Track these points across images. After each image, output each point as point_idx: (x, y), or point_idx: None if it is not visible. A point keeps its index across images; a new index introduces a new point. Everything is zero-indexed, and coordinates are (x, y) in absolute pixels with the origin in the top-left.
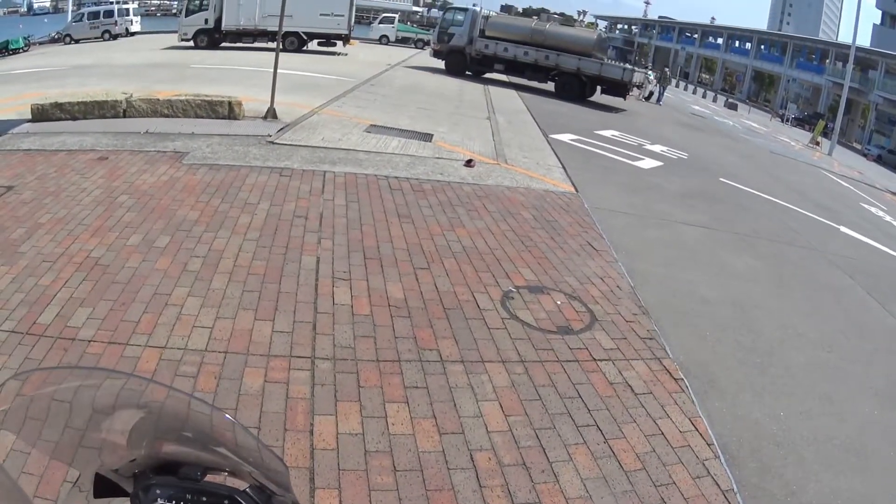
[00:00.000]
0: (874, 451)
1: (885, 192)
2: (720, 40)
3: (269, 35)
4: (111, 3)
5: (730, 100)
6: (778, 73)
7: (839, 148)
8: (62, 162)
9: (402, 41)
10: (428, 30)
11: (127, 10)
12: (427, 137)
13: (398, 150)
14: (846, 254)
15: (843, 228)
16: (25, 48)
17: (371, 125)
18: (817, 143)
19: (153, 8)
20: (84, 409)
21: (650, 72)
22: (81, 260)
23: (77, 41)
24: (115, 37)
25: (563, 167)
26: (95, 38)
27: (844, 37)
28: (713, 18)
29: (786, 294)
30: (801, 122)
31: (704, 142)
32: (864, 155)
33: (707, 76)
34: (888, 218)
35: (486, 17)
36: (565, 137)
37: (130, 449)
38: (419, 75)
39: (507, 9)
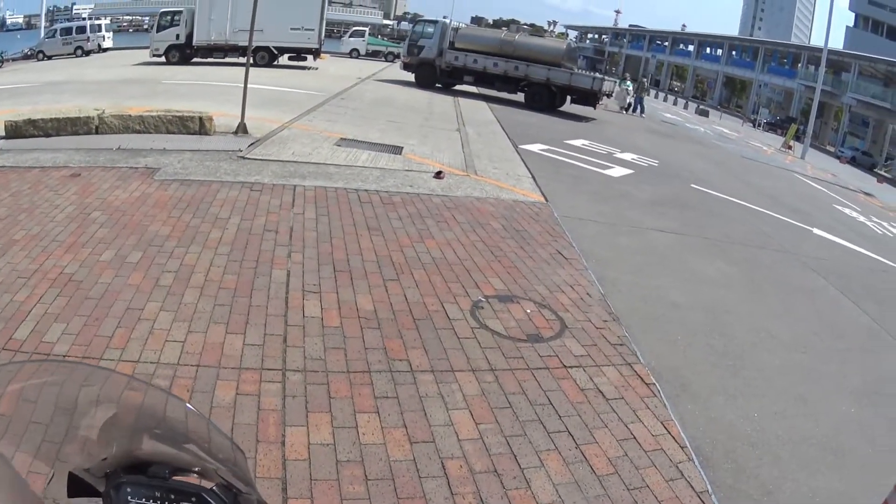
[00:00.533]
0: (851, 448)
1: (858, 193)
2: (691, 47)
3: (239, 50)
4: (83, 19)
5: (701, 106)
6: (749, 79)
7: (812, 151)
8: (36, 178)
9: (373, 54)
10: (398, 43)
11: (99, 26)
12: (397, 150)
13: (368, 163)
14: (819, 255)
15: (815, 230)
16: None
17: (341, 139)
18: (790, 147)
19: (125, 24)
20: (54, 405)
21: (629, 82)
22: (55, 276)
23: (50, 57)
24: (87, 53)
25: (533, 177)
26: (68, 54)
27: (817, 40)
28: (684, 26)
29: (758, 297)
30: (774, 126)
31: (675, 149)
32: (838, 157)
33: (678, 84)
34: (861, 218)
35: (456, 29)
36: (535, 148)
37: (101, 447)
38: (389, 88)
39: (477, 20)
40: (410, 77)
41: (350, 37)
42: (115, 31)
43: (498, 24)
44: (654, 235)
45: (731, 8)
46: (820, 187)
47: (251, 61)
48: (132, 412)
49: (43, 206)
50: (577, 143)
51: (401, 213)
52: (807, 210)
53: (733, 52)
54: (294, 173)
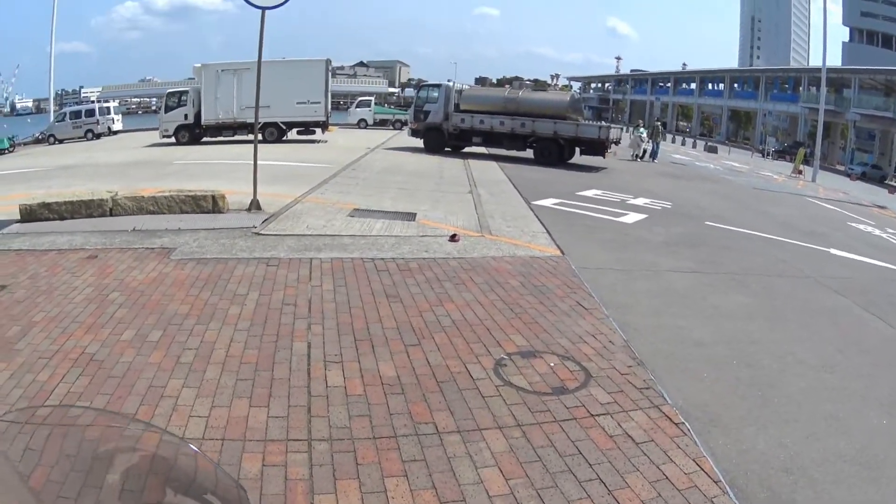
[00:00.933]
0: (885, 459)
1: (871, 208)
2: (693, 85)
3: (248, 127)
4: (92, 102)
5: (709, 143)
6: (753, 109)
7: (822, 173)
8: (53, 261)
9: (381, 123)
10: (405, 110)
11: (108, 108)
12: (410, 217)
13: (383, 231)
14: (838, 275)
15: (833, 251)
16: (10, 149)
17: (354, 209)
18: (800, 172)
19: (133, 106)
20: (76, 455)
21: (641, 129)
22: (77, 356)
23: (61, 141)
24: (97, 136)
25: (548, 231)
26: (79, 137)
27: (816, 60)
28: (685, 65)
29: (781, 325)
30: (782, 153)
31: (687, 189)
32: (848, 175)
33: (684, 123)
34: (877, 232)
35: (460, 92)
36: (548, 202)
37: (122, 500)
38: (399, 156)
39: (481, 80)
40: (419, 143)
41: (357, 107)
42: (124, 114)
43: (501, 82)
44: (672, 276)
45: (729, 41)
46: (833, 207)
47: (260, 138)
48: (150, 462)
49: (61, 287)
50: (590, 193)
51: (418, 278)
52: (822, 232)
53: (735, 85)
54: (310, 246)
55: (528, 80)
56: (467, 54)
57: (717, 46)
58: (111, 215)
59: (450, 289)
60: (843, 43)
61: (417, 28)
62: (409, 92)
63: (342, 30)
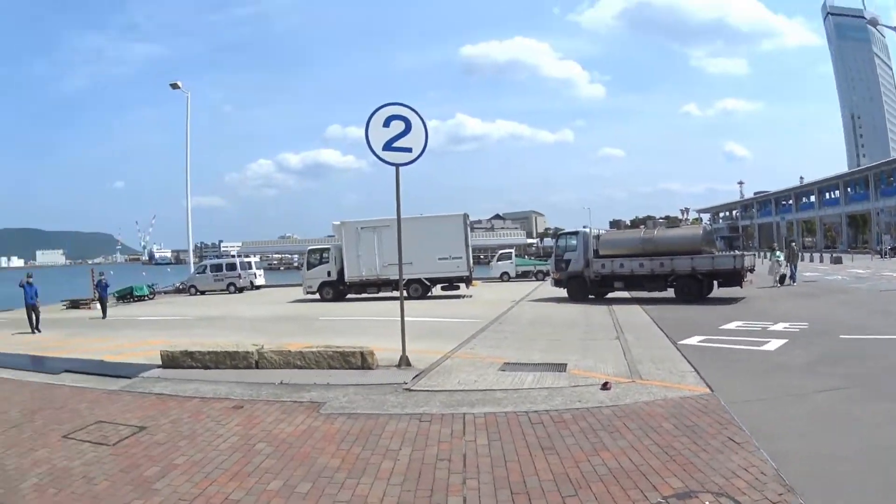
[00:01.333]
0: None
1: None
2: (813, 198)
3: (392, 284)
4: (233, 256)
5: (834, 255)
6: (868, 210)
7: None
8: (196, 408)
9: (523, 275)
10: (545, 260)
11: (250, 263)
12: (561, 368)
13: (534, 384)
14: None
15: None
16: (150, 296)
17: (505, 363)
18: None
19: (275, 262)
20: None
21: (778, 253)
22: (220, 501)
23: (202, 292)
24: (240, 290)
25: (696, 370)
26: (220, 290)
27: None
28: (802, 178)
29: None
30: None
31: (820, 305)
32: None
33: (809, 239)
34: None
35: (597, 237)
36: (693, 340)
37: None
38: (544, 307)
39: (615, 224)
40: (563, 292)
41: (498, 261)
42: (265, 269)
43: (635, 223)
44: (818, 398)
45: (836, 144)
46: None
47: (405, 294)
48: None
49: (204, 434)
50: (731, 326)
51: (572, 429)
52: None
53: (848, 189)
54: (462, 402)
55: (661, 219)
56: (598, 197)
57: (828, 151)
58: (257, 367)
59: (604, 437)
60: None
61: (548, 176)
62: (548, 241)
63: (476, 183)
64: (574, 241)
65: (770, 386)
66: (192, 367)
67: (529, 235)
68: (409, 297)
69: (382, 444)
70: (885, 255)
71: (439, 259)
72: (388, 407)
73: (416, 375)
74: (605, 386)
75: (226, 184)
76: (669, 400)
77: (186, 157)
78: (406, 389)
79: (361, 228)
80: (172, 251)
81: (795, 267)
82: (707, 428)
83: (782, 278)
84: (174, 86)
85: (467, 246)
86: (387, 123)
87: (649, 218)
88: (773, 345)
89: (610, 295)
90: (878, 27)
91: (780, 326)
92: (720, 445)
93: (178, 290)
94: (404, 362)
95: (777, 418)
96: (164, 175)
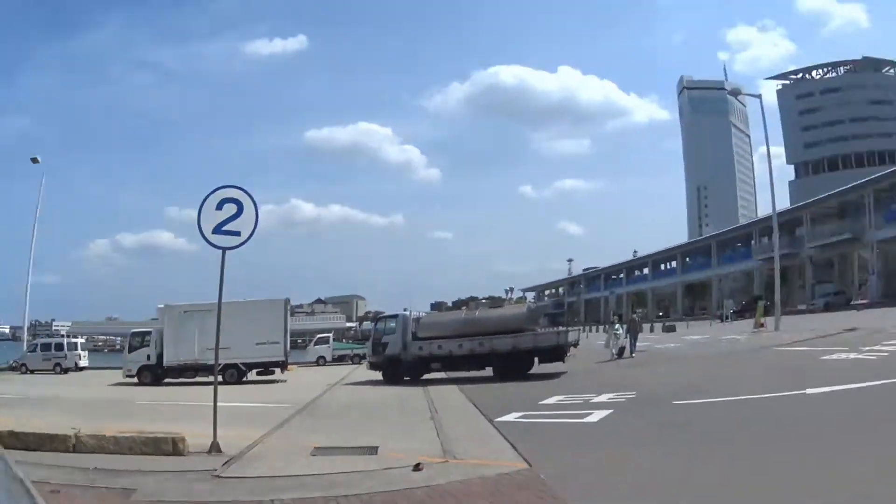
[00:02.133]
0: None
1: (841, 334)
2: (647, 270)
3: (209, 369)
4: (62, 336)
5: (666, 324)
6: (708, 278)
7: (786, 318)
8: None
9: (340, 359)
10: (363, 343)
11: (76, 344)
12: (373, 450)
13: (346, 468)
14: (817, 412)
15: (809, 391)
16: None
17: (315, 448)
18: (762, 325)
19: (100, 343)
20: None
21: (617, 325)
22: None
23: (32, 371)
24: (65, 370)
25: (513, 446)
26: (48, 370)
27: (764, 207)
28: (635, 252)
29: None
30: (741, 313)
31: (649, 374)
32: (811, 311)
33: (641, 310)
34: (853, 355)
35: (417, 320)
36: (510, 417)
37: None
38: (359, 390)
39: (437, 305)
40: (379, 376)
41: (315, 344)
42: (90, 350)
43: (458, 304)
44: (641, 465)
45: (677, 215)
46: (803, 348)
47: (220, 379)
48: None
49: None
50: (552, 400)
51: None
52: (794, 375)
53: (687, 259)
54: (271, 488)
55: (483, 299)
56: (421, 279)
57: (667, 224)
58: (74, 451)
59: None
60: (790, 182)
61: (373, 260)
62: (367, 325)
63: (303, 267)
64: (393, 324)
65: (591, 457)
66: (15, 448)
67: (349, 319)
68: (225, 383)
69: None
70: (726, 319)
71: (257, 344)
72: (197, 494)
73: (227, 462)
74: (417, 467)
75: (66, 261)
76: (486, 478)
77: (33, 235)
78: (215, 476)
79: (184, 312)
80: (11, 327)
81: (636, 339)
82: (525, 503)
83: (621, 351)
84: (34, 160)
85: (286, 331)
86: (220, 206)
87: (472, 299)
88: (597, 416)
89: (427, 376)
90: (740, 97)
91: (604, 397)
92: None
93: (12, 368)
94: (215, 448)
95: (598, 488)
96: (3, 251)
